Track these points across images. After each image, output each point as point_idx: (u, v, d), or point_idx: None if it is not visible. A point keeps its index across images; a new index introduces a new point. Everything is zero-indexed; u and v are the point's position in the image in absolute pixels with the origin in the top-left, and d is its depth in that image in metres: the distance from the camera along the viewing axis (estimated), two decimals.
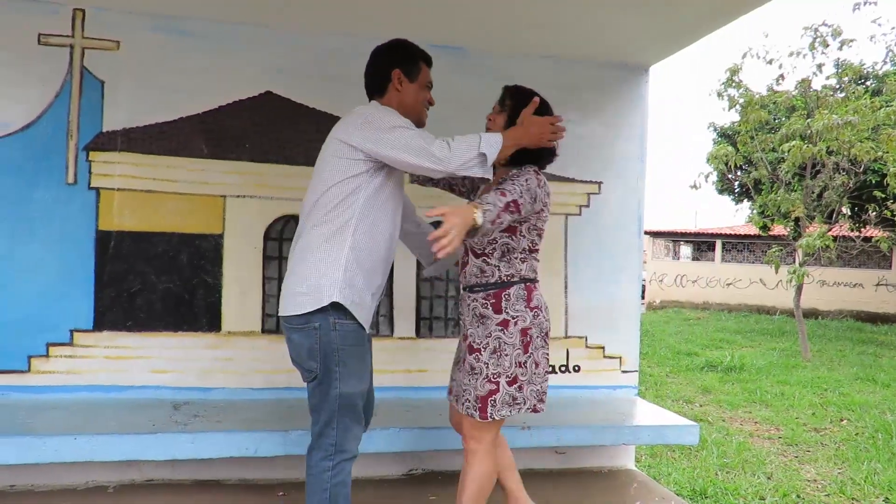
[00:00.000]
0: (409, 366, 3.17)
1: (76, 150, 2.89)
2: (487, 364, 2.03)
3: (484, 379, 2.03)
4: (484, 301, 2.08)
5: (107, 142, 2.92)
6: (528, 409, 2.08)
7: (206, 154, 3.02)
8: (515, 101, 2.12)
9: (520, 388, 2.05)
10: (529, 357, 2.06)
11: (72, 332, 2.89)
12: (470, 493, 2.11)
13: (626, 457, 3.40)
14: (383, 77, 2.11)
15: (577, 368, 3.41)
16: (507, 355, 2.03)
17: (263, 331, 3.08)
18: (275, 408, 2.91)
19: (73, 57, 2.89)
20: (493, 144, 1.93)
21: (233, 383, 3.03)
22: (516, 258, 2.08)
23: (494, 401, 2.02)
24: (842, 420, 5.47)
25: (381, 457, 2.97)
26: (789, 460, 4.31)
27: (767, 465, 4.13)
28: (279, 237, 3.10)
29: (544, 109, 2.11)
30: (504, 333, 2.04)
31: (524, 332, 2.05)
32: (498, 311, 2.05)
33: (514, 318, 2.05)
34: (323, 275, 1.95)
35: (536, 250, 2.14)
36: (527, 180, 2.00)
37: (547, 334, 2.13)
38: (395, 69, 2.10)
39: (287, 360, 3.11)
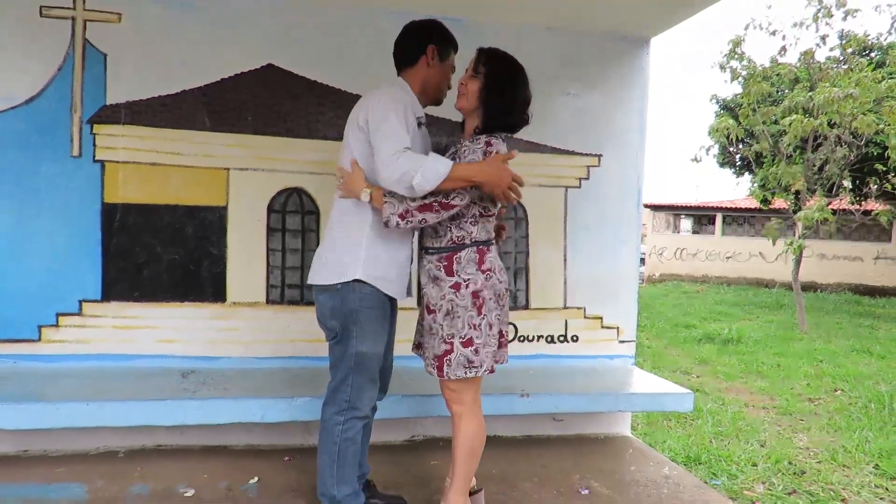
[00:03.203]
0: (411, 335, 3.22)
1: (80, 123, 2.92)
2: (442, 325, 2.08)
3: (440, 339, 2.08)
4: (437, 263, 2.11)
5: (110, 115, 2.95)
6: (485, 370, 2.10)
7: (209, 127, 3.04)
8: (490, 67, 2.06)
9: (475, 350, 2.07)
10: (483, 319, 2.07)
11: (80, 302, 2.95)
12: (461, 455, 2.17)
13: (622, 424, 3.48)
14: (418, 49, 2.17)
15: (575, 338, 3.47)
16: (458, 317, 2.06)
17: (268, 301, 3.13)
18: (280, 376, 2.98)
19: (74, 29, 2.90)
20: (430, 177, 1.92)
21: (238, 352, 3.10)
22: (467, 222, 2.09)
23: (450, 360, 2.07)
24: (836, 390, 5.57)
25: (384, 423, 3.05)
26: (783, 429, 4.40)
27: (761, 434, 4.22)
28: (282, 209, 3.14)
29: (519, 77, 2.09)
30: (456, 296, 2.06)
31: (475, 294, 2.06)
32: (450, 273, 2.08)
33: (465, 281, 2.06)
34: (346, 251, 2.09)
35: (490, 214, 2.14)
36: (467, 155, 2.03)
37: (501, 296, 2.12)
38: (431, 45, 2.17)
39: (291, 329, 3.20)
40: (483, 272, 2.08)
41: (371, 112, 2.04)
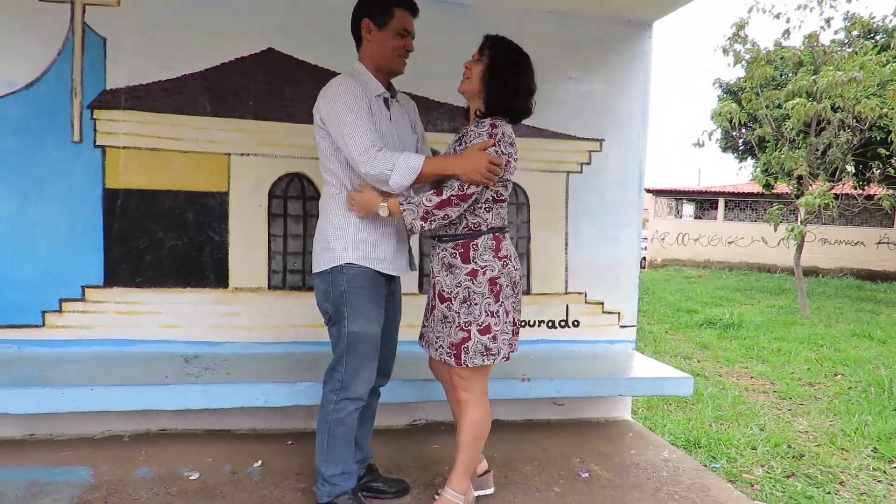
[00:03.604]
0: (413, 320, 3.21)
1: (80, 109, 2.91)
2: (458, 313, 2.08)
3: (456, 327, 2.08)
4: (452, 251, 2.11)
5: (111, 100, 2.94)
6: (502, 358, 2.11)
7: (210, 112, 3.03)
8: (495, 51, 2.07)
9: (493, 338, 2.08)
10: (500, 306, 2.09)
11: (83, 288, 2.96)
12: (466, 441, 2.19)
13: (622, 408, 3.50)
14: (356, 28, 2.14)
15: (576, 323, 3.48)
16: (476, 304, 2.06)
17: (270, 287, 3.14)
18: (283, 361, 2.99)
19: (73, 14, 2.88)
20: (404, 174, 1.95)
21: (241, 338, 3.12)
22: (482, 208, 2.09)
23: (467, 348, 2.08)
24: (836, 375, 5.59)
25: (385, 407, 3.07)
26: (782, 413, 4.42)
27: (761, 418, 4.24)
28: (283, 195, 3.14)
29: (523, 63, 2.09)
30: (473, 283, 2.07)
31: (493, 281, 2.07)
32: (466, 260, 2.08)
33: (482, 268, 2.07)
34: (335, 238, 2.10)
35: (503, 200, 2.14)
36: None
37: (516, 284, 2.14)
38: (364, 18, 2.10)
39: (293, 314, 3.21)
40: (500, 259, 2.09)
41: (322, 111, 2.05)
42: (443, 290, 2.12)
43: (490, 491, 2.44)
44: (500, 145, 2.02)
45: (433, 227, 2.03)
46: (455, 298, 2.09)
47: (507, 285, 2.10)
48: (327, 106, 2.03)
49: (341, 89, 2.03)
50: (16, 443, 2.80)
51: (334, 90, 2.04)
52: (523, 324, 3.41)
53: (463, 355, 2.08)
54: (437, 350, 2.17)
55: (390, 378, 2.43)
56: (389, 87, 2.21)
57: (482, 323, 2.07)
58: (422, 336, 2.29)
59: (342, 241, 2.10)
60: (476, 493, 2.39)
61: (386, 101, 2.16)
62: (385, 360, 2.34)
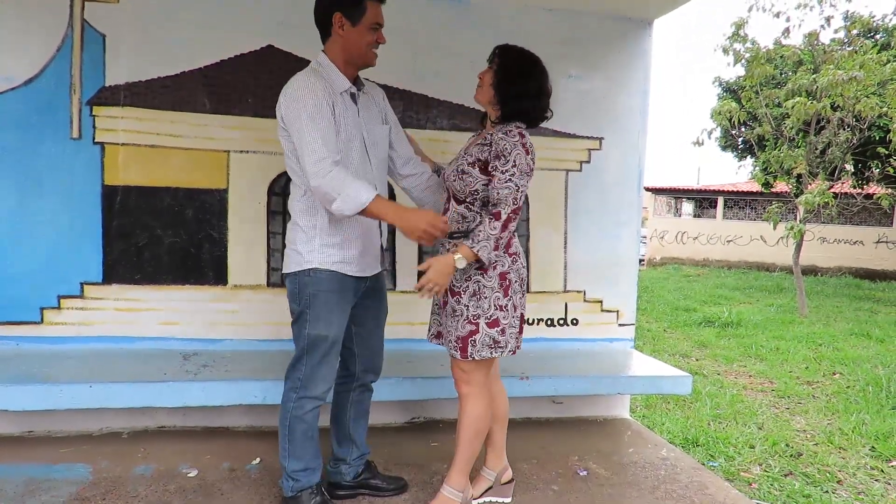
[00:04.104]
0: (411, 318, 3.23)
1: (80, 105, 2.90)
2: (468, 306, 2.11)
3: (465, 320, 2.11)
4: None
5: (110, 96, 2.93)
6: (509, 351, 2.15)
7: (209, 109, 3.03)
8: (503, 58, 2.12)
9: (502, 331, 2.12)
10: (509, 300, 2.13)
11: (82, 284, 2.96)
12: (466, 436, 2.19)
13: (621, 407, 3.51)
14: (327, 21, 2.07)
15: (575, 321, 3.48)
16: (486, 298, 2.10)
17: (269, 284, 3.14)
18: (281, 358, 2.96)
19: (73, 10, 2.88)
20: (349, 205, 1.94)
21: (239, 335, 3.12)
22: None
23: (475, 341, 2.10)
24: (834, 374, 5.60)
25: (384, 405, 3.08)
26: (781, 412, 4.43)
27: (759, 416, 4.25)
28: (282, 192, 3.14)
29: (531, 67, 2.13)
30: (483, 277, 2.10)
31: (503, 276, 2.12)
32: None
33: (493, 263, 2.10)
34: (302, 242, 2.11)
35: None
36: (516, 162, 2.03)
37: (523, 281, 2.20)
38: (336, 12, 2.04)
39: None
40: (510, 255, 2.14)
41: (283, 112, 2.03)
42: (453, 285, 2.14)
43: (507, 500, 2.43)
44: (531, 157, 2.07)
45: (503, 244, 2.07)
46: (465, 292, 2.11)
47: (515, 281, 2.15)
48: (287, 108, 2.00)
49: (300, 92, 1.98)
50: (14, 439, 2.80)
51: (293, 92, 2.00)
52: None
53: (470, 348, 2.10)
54: (446, 344, 2.19)
55: (380, 374, 2.41)
56: (356, 80, 2.16)
57: (491, 316, 2.10)
58: (438, 335, 2.30)
59: (309, 244, 2.09)
60: (493, 499, 2.41)
61: (353, 95, 2.13)
62: (371, 355, 2.34)
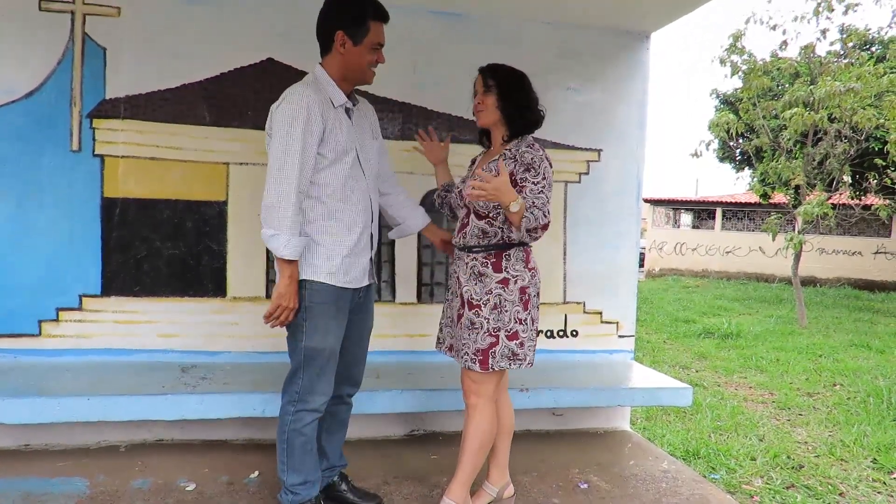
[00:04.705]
0: (411, 330, 3.23)
1: (80, 118, 2.91)
2: (488, 319, 2.14)
3: (485, 333, 2.14)
4: (484, 260, 2.18)
5: (110, 109, 2.94)
6: (527, 364, 2.19)
7: (209, 121, 3.04)
8: (498, 78, 2.19)
9: (521, 344, 2.16)
10: (528, 314, 2.18)
11: (80, 297, 2.95)
12: (471, 447, 2.19)
13: (621, 419, 3.49)
14: (328, 37, 2.08)
15: (574, 333, 3.48)
16: (506, 311, 2.14)
17: (268, 296, 3.13)
18: (280, 371, 2.94)
19: (74, 23, 2.89)
20: (277, 245, 1.97)
21: (238, 347, 3.11)
22: None
23: (494, 353, 2.13)
24: (835, 385, 5.58)
25: (383, 418, 3.07)
26: (781, 423, 4.41)
27: (760, 428, 4.23)
28: None
29: (524, 79, 2.22)
30: (504, 291, 2.14)
31: (523, 290, 2.16)
32: (498, 269, 2.16)
33: (513, 277, 2.16)
34: None
35: None
36: (545, 175, 2.10)
37: (539, 295, 2.26)
38: (339, 31, 2.04)
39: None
40: (529, 270, 2.20)
41: (271, 124, 2.03)
42: (472, 298, 2.17)
43: None
44: (552, 166, 2.16)
45: (525, 240, 2.10)
46: (485, 305, 2.15)
47: (534, 295, 2.21)
48: (278, 117, 2.00)
49: (298, 105, 1.98)
50: (11, 453, 2.78)
51: (290, 104, 1.99)
52: None
53: (490, 360, 2.14)
54: (462, 358, 2.20)
55: (359, 387, 2.39)
56: (350, 95, 2.17)
57: (511, 329, 2.15)
58: (451, 347, 2.31)
59: (301, 256, 2.07)
60: None
61: (347, 110, 2.14)
62: (352, 368, 2.31)
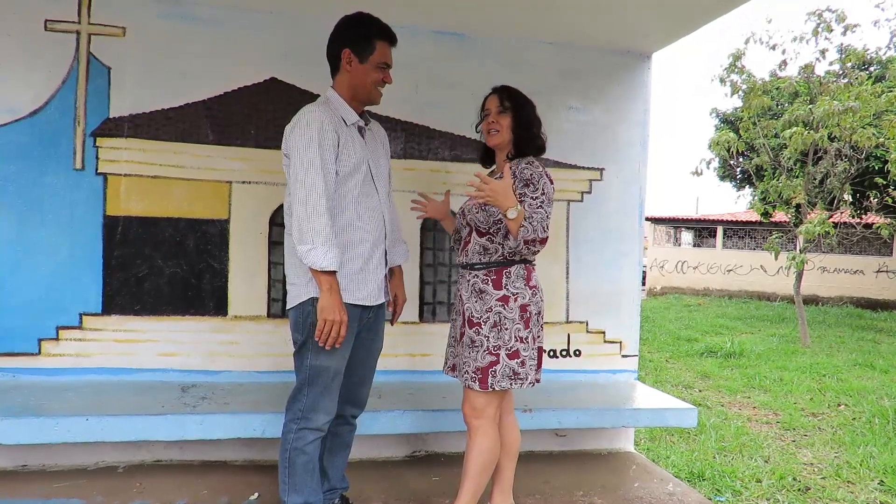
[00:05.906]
0: (413, 350, 3.21)
1: (83, 136, 2.92)
2: (488, 337, 2.12)
3: (484, 351, 2.12)
4: (484, 277, 2.17)
5: (114, 128, 2.95)
6: (528, 384, 2.16)
7: (212, 140, 3.05)
8: (514, 101, 2.23)
9: (522, 363, 2.13)
10: (529, 333, 2.15)
11: (81, 315, 2.94)
12: (473, 469, 2.16)
13: (625, 440, 3.45)
14: (336, 56, 2.12)
15: (577, 353, 3.45)
16: (506, 329, 2.12)
17: (269, 315, 3.12)
18: (281, 391, 2.94)
19: (79, 43, 2.91)
20: (310, 261, 1.95)
21: (239, 366, 3.08)
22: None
23: (494, 371, 2.11)
24: (839, 405, 5.53)
25: (385, 438, 3.03)
26: (786, 444, 4.36)
27: (765, 449, 4.19)
28: (284, 223, 3.13)
29: (529, 102, 2.27)
30: (504, 308, 2.13)
31: (523, 308, 2.15)
32: (498, 287, 2.15)
33: (514, 295, 2.14)
34: (299, 276, 2.10)
35: None
36: (544, 190, 2.11)
37: (541, 314, 2.23)
38: (345, 49, 2.09)
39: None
40: (530, 288, 2.18)
41: (287, 145, 2.04)
42: (472, 316, 2.16)
43: None
44: (553, 183, 2.18)
45: (522, 253, 2.11)
46: (485, 323, 2.13)
47: (535, 313, 2.18)
48: (292, 136, 2.01)
49: (310, 123, 1.99)
50: (7, 474, 2.74)
51: (303, 122, 2.01)
52: None
53: (490, 379, 2.11)
54: (463, 376, 2.18)
55: (364, 408, 2.36)
56: (362, 115, 2.19)
57: (511, 348, 2.12)
58: (454, 367, 2.30)
59: (306, 275, 2.06)
60: None
61: (360, 129, 2.17)
62: (357, 388, 2.29)
